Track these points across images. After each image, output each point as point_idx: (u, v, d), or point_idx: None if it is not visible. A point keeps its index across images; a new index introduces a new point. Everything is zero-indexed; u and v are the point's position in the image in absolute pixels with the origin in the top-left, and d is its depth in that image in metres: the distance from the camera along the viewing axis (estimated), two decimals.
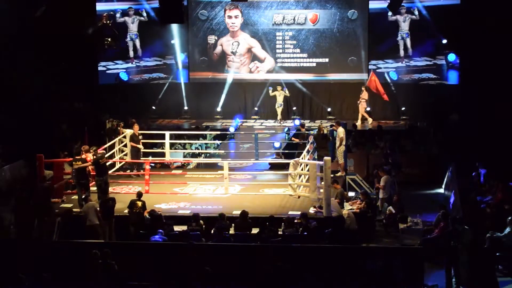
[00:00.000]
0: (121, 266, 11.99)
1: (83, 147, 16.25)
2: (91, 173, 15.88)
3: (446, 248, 13.33)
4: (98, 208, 14.25)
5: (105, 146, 18.07)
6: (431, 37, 23.75)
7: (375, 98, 24.38)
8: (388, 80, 24.21)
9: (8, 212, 15.35)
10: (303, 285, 12.06)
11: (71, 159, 16.27)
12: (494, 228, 14.35)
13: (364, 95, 23.19)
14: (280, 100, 23.90)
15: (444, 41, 23.64)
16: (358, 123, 22.93)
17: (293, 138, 20.09)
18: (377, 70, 24.21)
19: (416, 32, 23.88)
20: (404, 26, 24.06)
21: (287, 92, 23.96)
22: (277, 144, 20.34)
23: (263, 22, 24.91)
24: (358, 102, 23.29)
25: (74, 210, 15.35)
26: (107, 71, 25.02)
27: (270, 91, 23.91)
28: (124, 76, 25.17)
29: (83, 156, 15.71)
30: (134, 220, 14.27)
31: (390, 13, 23.39)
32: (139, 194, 14.75)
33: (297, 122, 22.72)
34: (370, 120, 23.16)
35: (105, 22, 16.58)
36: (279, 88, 23.90)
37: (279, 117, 23.99)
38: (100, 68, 24.77)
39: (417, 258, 12.63)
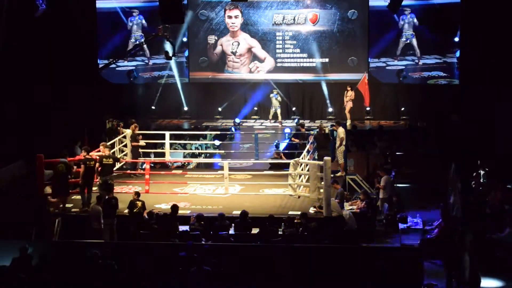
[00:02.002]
0: (121, 266, 11.98)
1: (102, 144, 16.30)
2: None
3: (446, 248, 13.34)
4: (102, 213, 14.20)
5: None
6: (440, 35, 23.82)
7: (375, 98, 24.42)
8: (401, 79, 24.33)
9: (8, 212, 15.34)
10: (302, 285, 12.04)
11: (79, 158, 16.21)
12: (494, 228, 14.36)
13: (351, 94, 23.23)
14: (276, 102, 23.86)
15: (456, 39, 23.64)
16: (348, 122, 22.91)
17: (293, 139, 20.06)
18: (387, 68, 24.30)
19: (424, 29, 23.93)
20: (409, 27, 24.11)
21: (279, 98, 24.02)
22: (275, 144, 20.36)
23: (263, 22, 24.91)
24: (346, 102, 23.33)
25: (74, 210, 15.37)
26: (117, 69, 25.12)
27: (274, 95, 23.91)
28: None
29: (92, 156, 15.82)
30: (134, 220, 14.26)
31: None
32: (137, 194, 14.74)
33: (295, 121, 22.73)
34: (349, 121, 23.10)
35: (161, 34, 16.80)
36: (275, 91, 23.93)
37: (279, 118, 23.92)
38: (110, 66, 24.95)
39: (417, 258, 12.63)
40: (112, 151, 17.85)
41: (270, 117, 24.07)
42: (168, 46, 19.27)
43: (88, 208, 15.20)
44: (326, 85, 24.69)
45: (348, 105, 23.31)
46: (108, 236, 14.06)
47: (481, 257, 13.58)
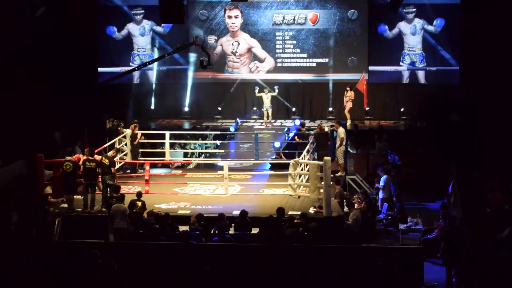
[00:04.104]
0: (121, 266, 11.99)
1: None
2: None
3: (446, 248, 13.34)
4: (128, 212, 14.24)
5: (105, 146, 18.10)
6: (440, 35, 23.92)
7: (375, 98, 24.44)
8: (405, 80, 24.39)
9: (8, 212, 15.35)
10: (302, 285, 12.05)
11: (78, 158, 16.19)
12: (494, 228, 14.37)
13: (351, 94, 23.20)
14: (268, 102, 23.21)
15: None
16: (348, 122, 22.82)
17: (296, 138, 19.94)
18: (387, 67, 24.32)
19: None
20: (413, 41, 24.17)
21: (276, 92, 23.37)
22: (277, 144, 20.32)
23: (263, 22, 24.91)
24: (346, 102, 23.32)
25: (77, 209, 15.37)
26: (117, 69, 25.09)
27: (256, 92, 23.52)
28: None
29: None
30: (134, 220, 14.27)
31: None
32: (139, 194, 14.76)
33: (297, 122, 22.54)
34: (349, 121, 22.99)
35: (196, 44, 16.91)
36: (265, 90, 23.47)
37: (269, 119, 23.37)
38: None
39: (417, 258, 12.63)
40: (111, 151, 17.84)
41: (265, 118, 23.77)
42: (203, 56, 19.27)
43: (90, 209, 15.25)
44: (330, 85, 24.64)
45: (348, 105, 23.30)
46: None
47: (481, 257, 13.60)
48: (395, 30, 24.18)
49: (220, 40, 25.12)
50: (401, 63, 24.29)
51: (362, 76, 23.40)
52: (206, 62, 17.72)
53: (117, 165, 17.47)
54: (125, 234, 14.02)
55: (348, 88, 23.33)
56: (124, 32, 25.21)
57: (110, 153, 16.31)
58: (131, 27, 25.22)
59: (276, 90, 23.36)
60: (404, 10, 23.91)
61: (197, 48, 17.57)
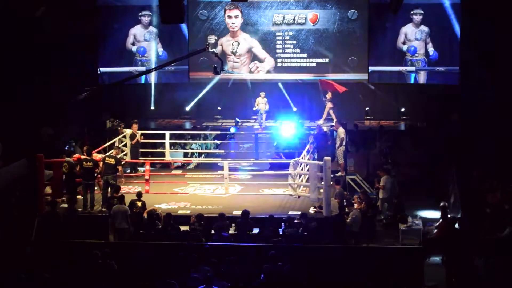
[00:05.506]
0: (121, 266, 11.99)
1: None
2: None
3: (446, 248, 13.35)
4: (129, 213, 14.23)
5: (105, 145, 18.10)
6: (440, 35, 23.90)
7: (375, 98, 24.44)
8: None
9: (8, 212, 15.36)
10: (303, 285, 12.05)
11: (81, 157, 16.18)
12: (494, 228, 14.37)
13: (329, 95, 23.09)
14: (263, 107, 22.87)
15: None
16: (321, 122, 22.73)
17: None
18: (387, 67, 24.30)
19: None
20: (417, 46, 24.10)
21: (267, 106, 23.18)
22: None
23: (263, 22, 24.90)
24: (326, 103, 23.27)
25: (78, 209, 15.37)
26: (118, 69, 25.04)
27: (262, 95, 23.42)
28: None
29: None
30: (134, 220, 14.27)
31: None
32: (139, 194, 14.78)
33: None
34: (335, 120, 22.74)
35: (209, 50, 17.10)
36: (262, 94, 23.18)
37: (263, 122, 23.14)
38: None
39: (417, 258, 12.63)
40: (111, 151, 17.83)
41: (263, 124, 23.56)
42: (216, 62, 19.33)
43: (90, 209, 15.28)
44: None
45: (328, 105, 23.03)
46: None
47: (481, 257, 13.62)
48: (401, 37, 24.15)
49: (220, 40, 25.10)
50: (405, 70, 24.31)
51: (319, 81, 23.39)
52: (219, 68, 17.77)
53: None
54: (127, 235, 14.04)
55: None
56: (130, 38, 25.14)
57: (113, 152, 16.28)
58: (135, 32, 25.18)
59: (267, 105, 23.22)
60: (411, 12, 23.88)
61: (209, 53, 17.65)
